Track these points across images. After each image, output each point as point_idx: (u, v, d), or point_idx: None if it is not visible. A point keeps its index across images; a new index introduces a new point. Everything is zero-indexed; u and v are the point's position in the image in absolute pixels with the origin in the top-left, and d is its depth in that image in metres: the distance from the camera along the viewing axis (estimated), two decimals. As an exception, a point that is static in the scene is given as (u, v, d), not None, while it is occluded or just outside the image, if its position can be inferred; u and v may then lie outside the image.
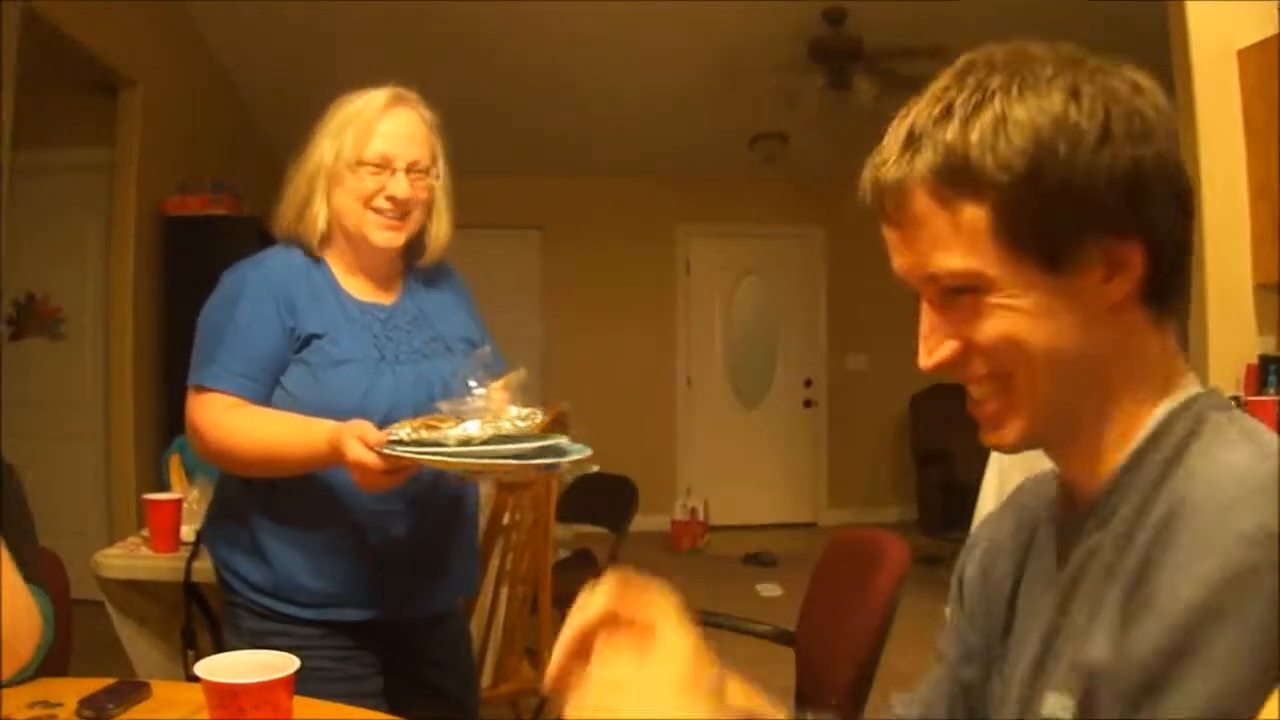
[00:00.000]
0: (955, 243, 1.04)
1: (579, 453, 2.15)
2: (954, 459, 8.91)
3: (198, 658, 1.61)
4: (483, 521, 3.39)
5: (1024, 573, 1.23)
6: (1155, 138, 1.01)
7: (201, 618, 2.98)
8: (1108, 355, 1.05)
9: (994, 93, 1.01)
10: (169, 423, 6.24)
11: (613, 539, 4.95)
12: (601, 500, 5.21)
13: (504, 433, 2.02)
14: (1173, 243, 1.04)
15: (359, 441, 2.02)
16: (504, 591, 3.41)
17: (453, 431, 2.00)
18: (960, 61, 1.07)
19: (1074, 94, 1.00)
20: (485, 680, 3.43)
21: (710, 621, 3.34)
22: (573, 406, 4.25)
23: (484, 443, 2.00)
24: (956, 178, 1.02)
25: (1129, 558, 0.98)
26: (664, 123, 8.84)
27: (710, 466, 10.17)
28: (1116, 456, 1.07)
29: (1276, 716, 0.79)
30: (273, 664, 1.49)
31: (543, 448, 2.07)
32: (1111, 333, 1.05)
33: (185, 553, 2.99)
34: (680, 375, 10.15)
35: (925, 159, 1.03)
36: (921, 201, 1.05)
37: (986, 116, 1.00)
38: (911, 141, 1.05)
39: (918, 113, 1.06)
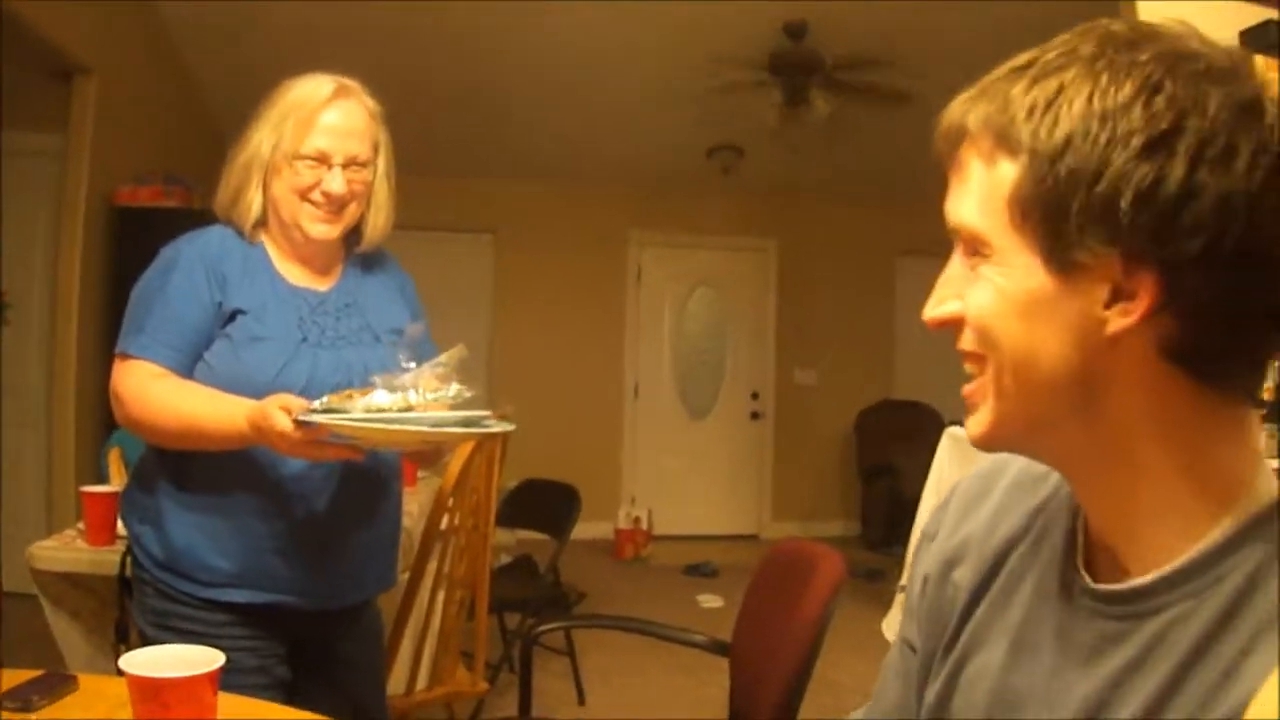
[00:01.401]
0: (978, 197, 0.97)
1: (502, 427, 2.15)
2: (898, 475, 8.99)
3: (130, 652, 1.60)
4: (422, 525, 3.40)
5: (992, 584, 1.15)
6: (1234, 174, 0.87)
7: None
8: (1107, 393, 0.95)
9: (1076, 60, 0.93)
10: (111, 414, 6.18)
11: (554, 545, 4.96)
12: (544, 506, 5.21)
13: (412, 404, 2.03)
14: (1216, 307, 0.90)
15: (283, 412, 2.03)
16: (440, 594, 3.40)
17: (361, 401, 2.01)
18: (1089, 23, 0.97)
19: (1152, 89, 0.89)
20: (421, 682, 3.43)
21: (648, 631, 3.39)
22: (517, 411, 4.26)
23: (395, 412, 2.01)
24: (1000, 132, 0.95)
25: (1208, 713, 0.88)
26: (621, 130, 8.85)
27: (655, 476, 10.17)
28: (1172, 542, 0.95)
29: (1276, 717, 0.76)
30: (198, 659, 1.48)
31: (464, 419, 2.07)
32: (1113, 370, 0.94)
33: (121, 546, 2.96)
34: (628, 383, 10.15)
35: (983, 108, 0.97)
36: (968, 147, 0.99)
37: (1053, 82, 0.92)
38: (984, 88, 0.98)
39: (1007, 63, 0.98)
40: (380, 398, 2.01)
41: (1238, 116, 0.88)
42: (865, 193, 9.87)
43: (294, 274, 2.42)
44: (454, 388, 2.08)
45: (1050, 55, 0.94)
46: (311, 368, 2.30)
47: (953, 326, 1.02)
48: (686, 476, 10.27)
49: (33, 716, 1.70)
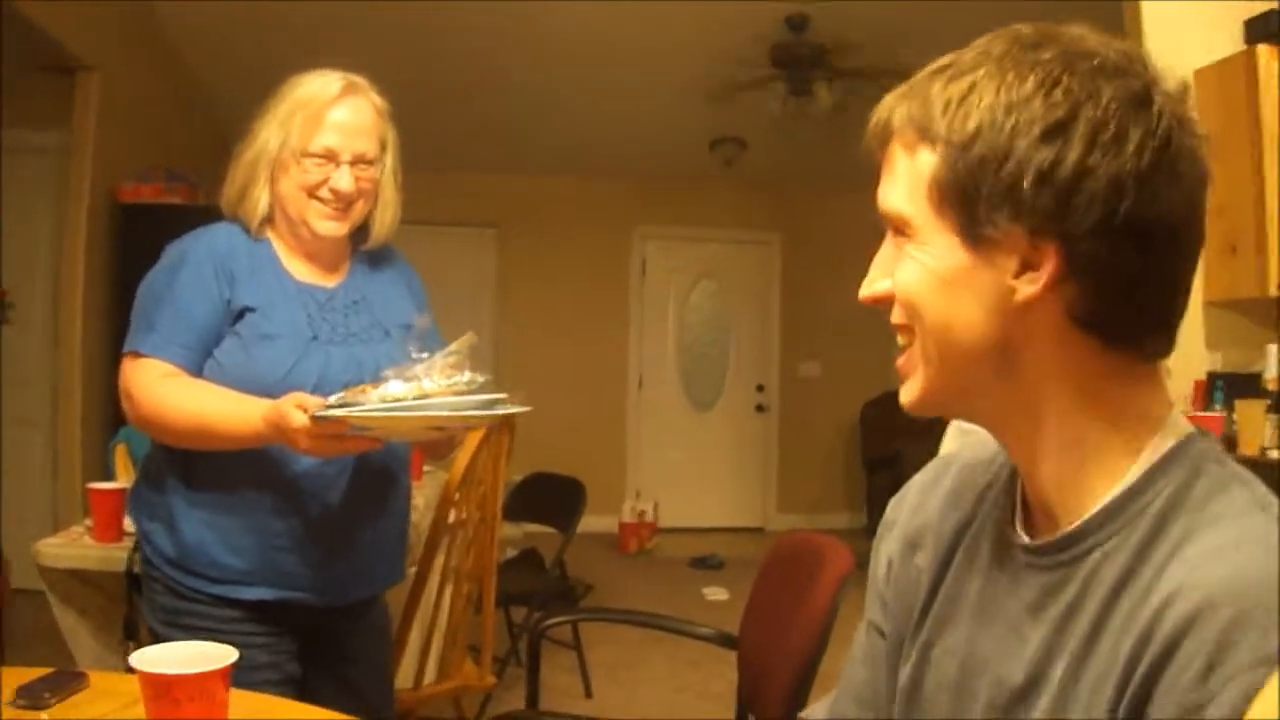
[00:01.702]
0: (903, 184, 1.08)
1: (516, 409, 2.19)
2: (903, 466, 8.95)
3: (138, 649, 1.60)
4: (429, 519, 3.40)
5: (951, 563, 1.23)
6: (1123, 157, 0.97)
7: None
8: (1020, 356, 1.05)
9: (988, 59, 1.04)
10: (117, 411, 6.16)
11: (560, 539, 4.96)
12: (549, 500, 5.22)
13: (427, 392, 2.03)
14: (1114, 272, 1.00)
15: (300, 410, 2.04)
16: (448, 589, 3.40)
17: (375, 392, 2.01)
18: (1004, 29, 1.08)
19: (1051, 83, 1.00)
20: (428, 677, 3.44)
21: (655, 624, 3.40)
22: (522, 405, 4.26)
23: (412, 400, 2.02)
24: (920, 126, 1.05)
25: (1128, 636, 0.96)
26: (623, 124, 8.84)
27: (660, 469, 10.19)
28: (1094, 486, 1.05)
29: (1276, 717, 0.79)
30: (210, 655, 1.48)
31: (481, 401, 2.09)
32: (1024, 334, 1.04)
33: (128, 543, 2.96)
34: (632, 377, 10.16)
35: (907, 105, 1.08)
36: (895, 141, 1.10)
37: (965, 82, 1.03)
38: (910, 87, 1.09)
39: (932, 64, 1.09)
40: (395, 388, 2.01)
41: (1128, 106, 0.99)
42: (868, 184, 9.76)
43: (301, 271, 2.41)
44: (467, 374, 2.08)
45: (967, 56, 1.06)
46: (323, 365, 2.31)
47: (884, 303, 1.12)
48: (691, 469, 10.28)
49: (44, 715, 1.70)
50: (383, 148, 2.39)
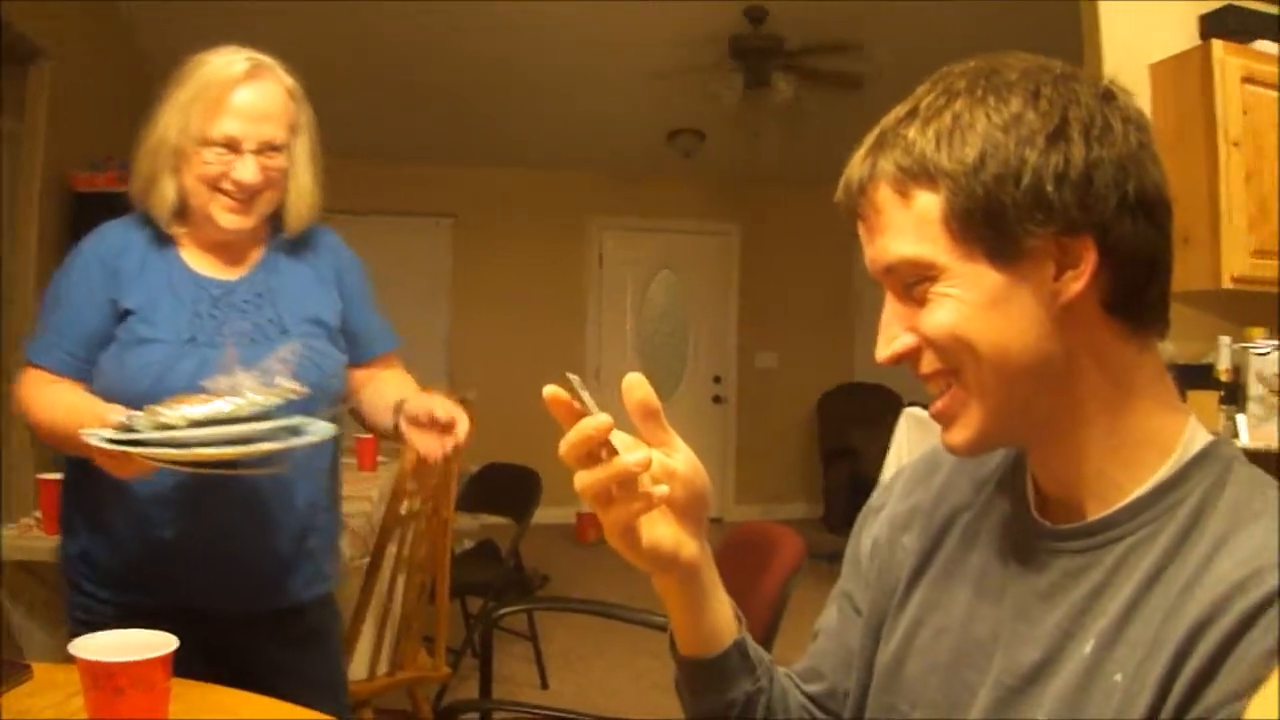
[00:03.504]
0: (908, 230, 1.07)
1: (321, 434, 1.96)
2: (859, 457, 9.02)
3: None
4: (381, 510, 3.40)
5: (941, 546, 1.26)
6: (1116, 144, 1.04)
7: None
8: (1069, 359, 1.07)
9: (958, 94, 1.07)
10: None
11: (515, 530, 4.95)
12: (504, 491, 5.21)
13: (226, 413, 1.82)
14: (1138, 251, 1.06)
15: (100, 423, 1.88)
16: (401, 579, 3.40)
17: (182, 409, 1.82)
18: (937, 74, 1.11)
19: (1034, 95, 1.04)
20: (382, 667, 3.44)
21: (611, 614, 3.40)
22: (478, 395, 4.25)
23: (203, 423, 1.80)
24: (914, 170, 1.06)
25: (1178, 621, 0.98)
26: (581, 114, 8.83)
27: (619, 459, 10.15)
28: (1124, 476, 1.09)
29: (1276, 717, 0.80)
30: (151, 643, 1.47)
31: (277, 429, 1.88)
32: (1070, 335, 1.06)
33: (78, 534, 2.94)
34: (590, 368, 10.14)
35: (889, 156, 1.08)
36: (883, 194, 1.09)
37: (946, 117, 1.06)
38: (879, 140, 1.10)
39: (888, 118, 1.11)
40: (193, 410, 1.82)
41: (1100, 101, 1.06)
42: (826, 177, 9.78)
43: (203, 264, 2.27)
44: (277, 385, 1.89)
45: (927, 100, 1.09)
46: (197, 369, 2.08)
47: (909, 359, 1.12)
48: (649, 460, 10.26)
49: (-15, 704, 1.69)
50: (293, 132, 2.25)
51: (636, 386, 1.11)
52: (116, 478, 1.95)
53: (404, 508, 3.31)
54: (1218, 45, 4.25)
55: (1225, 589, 0.95)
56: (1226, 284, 4.20)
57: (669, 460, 1.14)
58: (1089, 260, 1.04)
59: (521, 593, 5.40)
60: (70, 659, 1.46)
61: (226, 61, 2.16)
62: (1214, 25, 4.39)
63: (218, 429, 1.80)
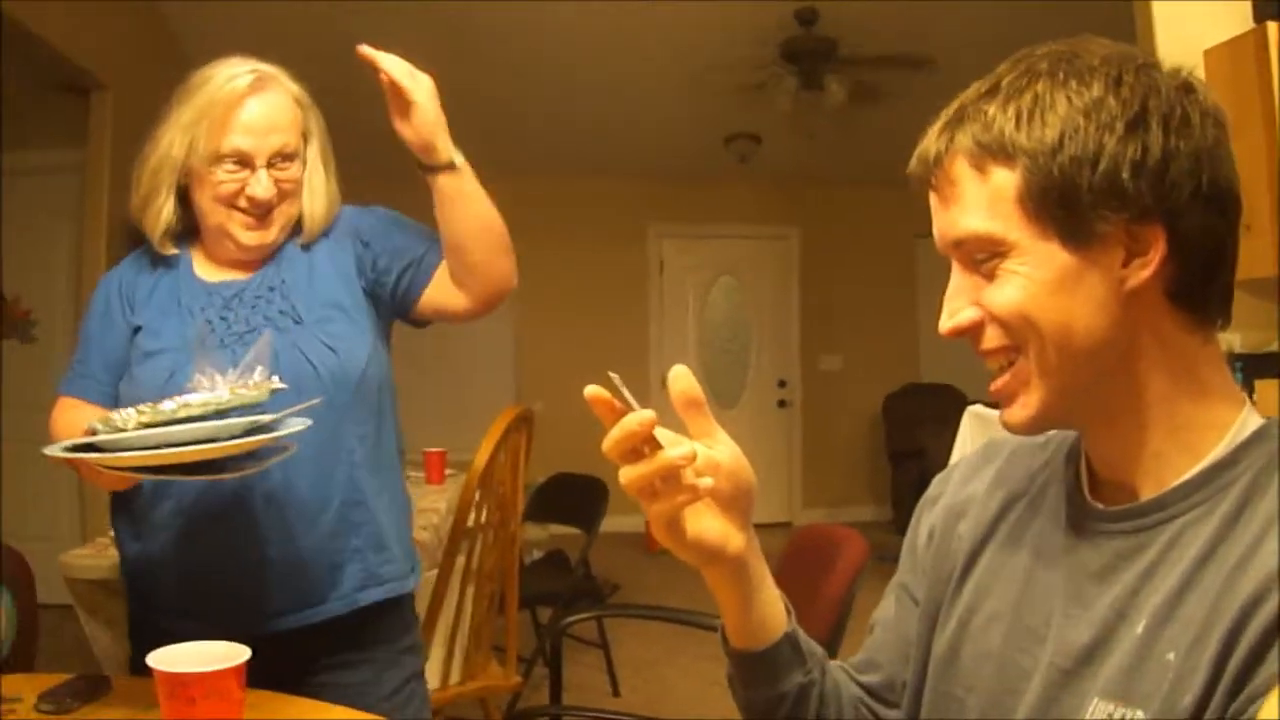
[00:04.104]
0: (982, 206, 1.09)
1: (287, 428, 1.78)
2: (927, 457, 8.95)
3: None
4: (450, 522, 3.42)
5: (995, 533, 1.27)
6: (1194, 136, 1.05)
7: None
8: (1131, 343, 1.09)
9: (1039, 75, 1.08)
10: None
11: (584, 539, 4.97)
12: (572, 500, 5.23)
13: (191, 410, 1.70)
14: (1205, 243, 1.08)
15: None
16: (470, 590, 3.42)
17: (119, 416, 1.71)
18: (1019, 53, 1.13)
19: (1115, 82, 1.06)
20: (454, 677, 3.46)
21: (678, 619, 3.40)
22: (545, 406, 4.27)
23: (152, 425, 1.68)
24: (992, 146, 1.08)
25: (1231, 598, 0.98)
26: (636, 122, 8.85)
27: (685, 467, 10.15)
28: (1180, 459, 1.10)
29: (1276, 717, 0.82)
30: (226, 654, 1.50)
31: (246, 425, 1.74)
32: (1133, 321, 1.08)
33: (152, 552, 2.98)
34: (654, 375, 10.14)
35: (967, 130, 1.10)
36: (959, 167, 1.11)
37: (1028, 95, 1.07)
38: (958, 114, 1.12)
39: (968, 92, 1.13)
40: (166, 404, 1.70)
41: (1180, 92, 1.07)
42: (883, 176, 9.79)
43: (215, 273, 2.22)
44: (255, 377, 1.80)
45: (1008, 79, 1.10)
46: None
47: (970, 333, 1.14)
48: (715, 467, 10.25)
49: (66, 718, 1.72)
50: (305, 139, 2.20)
51: (680, 378, 1.13)
52: (113, 490, 1.96)
53: (471, 519, 3.33)
54: (1272, 27, 4.19)
55: (1275, 568, 0.97)
56: (1289, 270, 4.15)
57: (712, 452, 1.13)
58: (1158, 249, 1.05)
59: (591, 601, 5.41)
60: (147, 671, 1.49)
61: (230, 75, 2.13)
62: (1267, 7, 4.33)
63: (165, 430, 1.67)
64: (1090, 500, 1.18)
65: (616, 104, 8.51)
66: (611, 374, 1.12)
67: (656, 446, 1.10)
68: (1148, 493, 1.11)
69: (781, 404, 10.55)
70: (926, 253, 10.35)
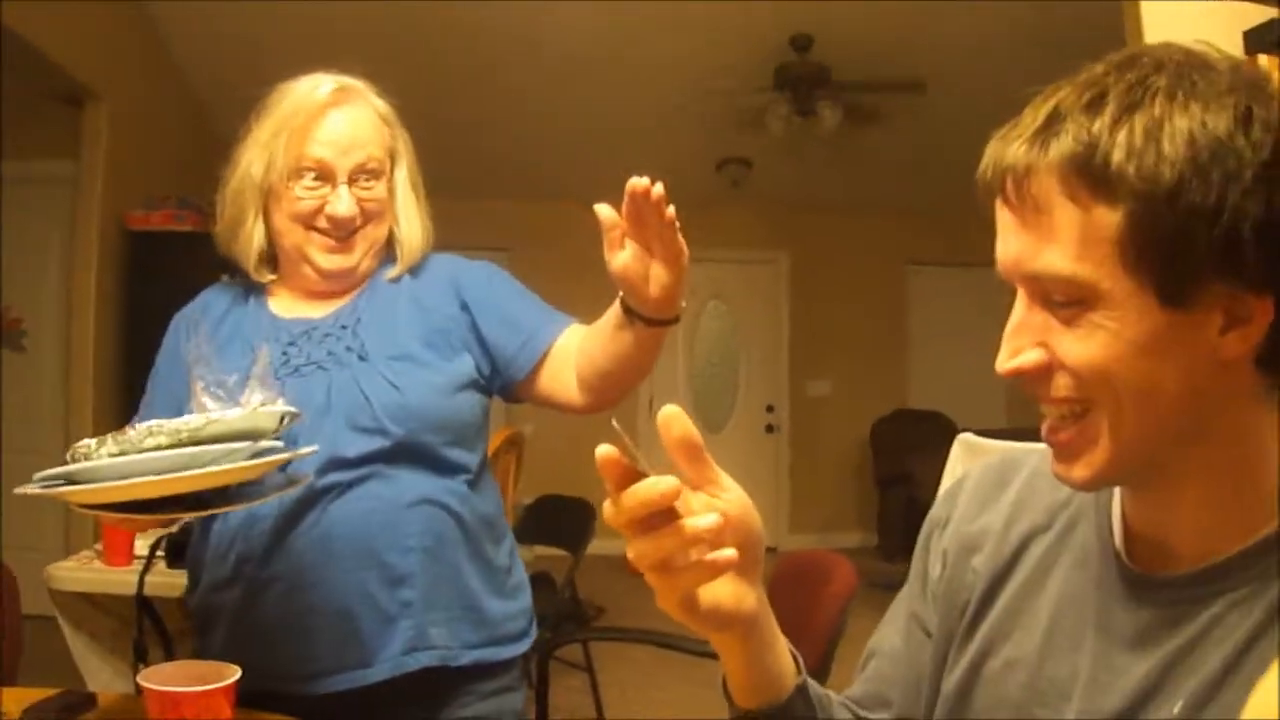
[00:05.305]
0: (1073, 242, 0.93)
1: (268, 459, 1.61)
2: (915, 484, 8.95)
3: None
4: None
5: (1014, 571, 1.17)
6: None
7: (154, 632, 2.96)
8: (1211, 411, 0.96)
9: (1156, 92, 0.91)
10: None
11: (571, 561, 4.96)
12: (559, 522, 5.21)
13: (180, 438, 1.50)
14: None
15: None
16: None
17: (89, 443, 1.52)
18: (1123, 53, 0.97)
19: (1245, 118, 0.89)
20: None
21: (664, 643, 3.38)
22: (535, 429, 4.25)
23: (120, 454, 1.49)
24: (1094, 174, 0.91)
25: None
26: (628, 145, 8.85)
27: (671, 490, 10.13)
28: (1231, 531, 0.99)
29: (1277, 717, 0.76)
30: (216, 673, 1.49)
31: (224, 451, 1.53)
32: (1217, 390, 0.95)
33: (139, 566, 2.97)
34: (642, 398, 10.11)
35: (1063, 145, 0.93)
36: (1049, 189, 0.94)
37: (1142, 117, 0.90)
38: (1052, 123, 0.94)
39: (1065, 95, 0.95)
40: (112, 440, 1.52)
41: None
42: (874, 203, 9.88)
43: (292, 309, 2.06)
44: (257, 399, 1.64)
45: (1117, 90, 0.93)
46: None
47: (1031, 376, 1.00)
48: (702, 490, 10.24)
49: (52, 734, 1.71)
50: (392, 159, 2.05)
51: (675, 421, 0.95)
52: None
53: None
54: (1263, 61, 4.21)
55: None
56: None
57: (717, 501, 1.00)
58: (1261, 321, 0.92)
59: (577, 624, 5.38)
60: (137, 689, 1.48)
61: (311, 87, 2.00)
62: (1258, 40, 4.34)
63: (131, 459, 1.48)
64: (1127, 561, 1.07)
65: (609, 128, 8.51)
66: (614, 423, 0.98)
67: (674, 515, 0.94)
68: (1189, 561, 1.01)
69: (769, 429, 10.54)
70: (917, 279, 10.46)
